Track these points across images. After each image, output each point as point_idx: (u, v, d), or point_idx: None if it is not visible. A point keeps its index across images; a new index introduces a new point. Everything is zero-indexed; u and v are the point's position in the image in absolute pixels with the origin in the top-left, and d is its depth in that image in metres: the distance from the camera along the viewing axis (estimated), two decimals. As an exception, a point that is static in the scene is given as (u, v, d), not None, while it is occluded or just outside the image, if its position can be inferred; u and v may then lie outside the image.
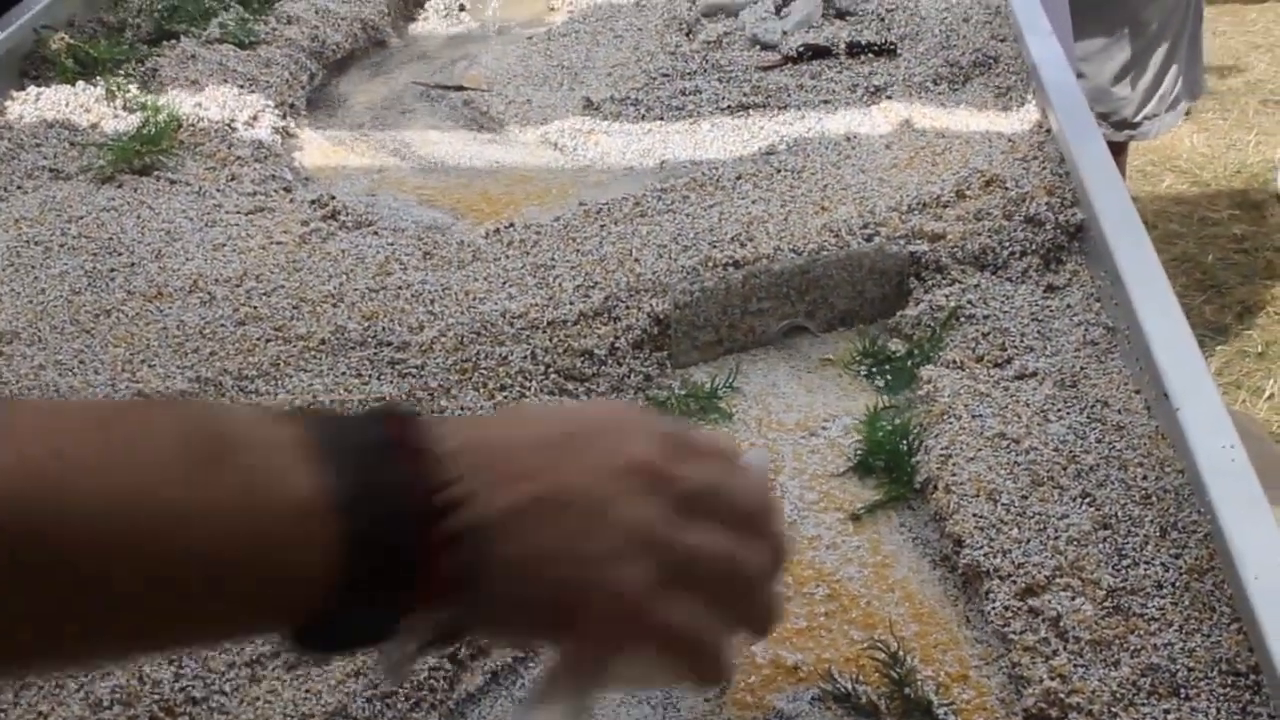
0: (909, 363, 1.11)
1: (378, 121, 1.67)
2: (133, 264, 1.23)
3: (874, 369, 1.13)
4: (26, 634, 0.48)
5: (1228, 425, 0.90)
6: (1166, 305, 1.04)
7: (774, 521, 0.60)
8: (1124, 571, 0.84)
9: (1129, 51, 2.57)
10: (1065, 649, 0.79)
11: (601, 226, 1.27)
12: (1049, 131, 1.35)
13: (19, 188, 1.39)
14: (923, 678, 0.81)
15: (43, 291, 1.19)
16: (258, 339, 1.11)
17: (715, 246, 1.18)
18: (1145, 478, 0.91)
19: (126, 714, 0.79)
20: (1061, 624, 0.81)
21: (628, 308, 1.13)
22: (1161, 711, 0.75)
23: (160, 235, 1.28)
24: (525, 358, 1.08)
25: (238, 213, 1.34)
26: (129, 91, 1.55)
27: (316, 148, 1.57)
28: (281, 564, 0.50)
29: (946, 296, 1.14)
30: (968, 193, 1.23)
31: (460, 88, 1.73)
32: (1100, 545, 0.86)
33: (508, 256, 1.23)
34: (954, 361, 1.07)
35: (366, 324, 1.12)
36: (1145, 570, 0.84)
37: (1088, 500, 0.90)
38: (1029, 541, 0.87)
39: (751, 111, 1.56)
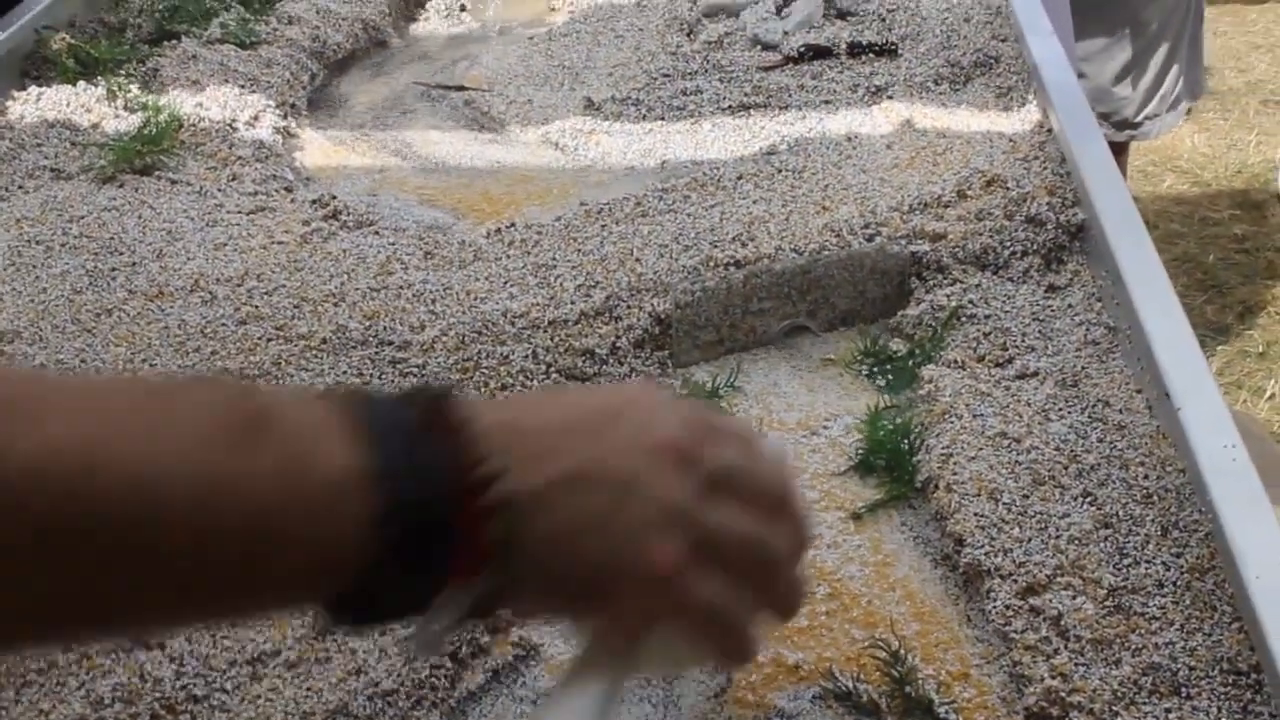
0: (910, 362, 1.11)
1: (379, 121, 1.67)
2: (134, 263, 1.23)
3: (875, 368, 1.13)
4: (74, 600, 0.48)
5: (1229, 425, 0.90)
6: (1168, 305, 1.04)
7: (797, 504, 0.61)
8: (1125, 571, 0.84)
9: (1130, 51, 2.57)
10: (1066, 648, 0.79)
11: (603, 226, 1.27)
12: (1050, 131, 1.35)
13: (20, 187, 1.39)
14: (924, 676, 0.81)
15: (44, 291, 1.19)
16: (259, 338, 1.11)
17: (716, 246, 1.18)
18: (1146, 477, 0.91)
19: (128, 711, 0.79)
20: (1063, 623, 0.81)
21: (629, 307, 1.13)
22: (1162, 710, 0.75)
23: (161, 235, 1.29)
24: (526, 357, 1.08)
25: (239, 212, 1.34)
26: (130, 91, 1.55)
27: (317, 148, 1.57)
28: (321, 535, 0.51)
29: (948, 296, 1.14)
30: (969, 193, 1.23)
31: (461, 88, 1.73)
32: (1101, 544, 0.86)
33: (509, 256, 1.23)
34: (955, 361, 1.07)
35: (368, 323, 1.12)
36: (1146, 569, 0.84)
37: (1089, 499, 0.90)
38: (1030, 540, 0.87)
39: (752, 111, 1.56)
